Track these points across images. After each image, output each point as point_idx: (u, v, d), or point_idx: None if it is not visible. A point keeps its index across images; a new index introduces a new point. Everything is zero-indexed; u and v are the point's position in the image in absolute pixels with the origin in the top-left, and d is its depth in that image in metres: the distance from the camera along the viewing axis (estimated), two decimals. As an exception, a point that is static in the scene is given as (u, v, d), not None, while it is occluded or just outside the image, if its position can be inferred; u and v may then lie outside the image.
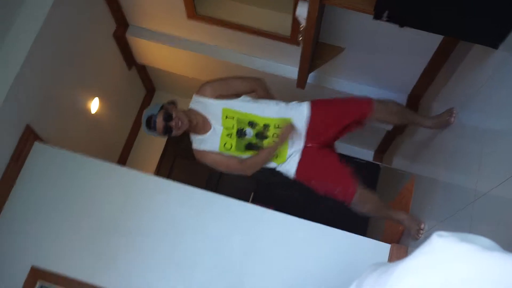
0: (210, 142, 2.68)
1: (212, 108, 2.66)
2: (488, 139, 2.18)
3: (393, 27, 2.46)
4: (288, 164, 2.72)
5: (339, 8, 2.85)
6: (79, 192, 2.99)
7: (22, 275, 2.82)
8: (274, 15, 3.48)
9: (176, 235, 2.90)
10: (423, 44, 3.08)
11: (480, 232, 1.10)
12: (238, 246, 2.87)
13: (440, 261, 0.93)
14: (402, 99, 3.65)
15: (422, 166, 3.22)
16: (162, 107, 2.58)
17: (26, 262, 2.85)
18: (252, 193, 4.40)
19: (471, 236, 0.99)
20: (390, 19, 2.35)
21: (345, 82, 3.72)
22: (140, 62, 4.36)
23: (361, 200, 2.68)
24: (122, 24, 3.87)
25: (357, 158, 4.63)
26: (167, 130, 2.56)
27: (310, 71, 3.44)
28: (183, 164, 5.09)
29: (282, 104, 2.74)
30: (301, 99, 2.81)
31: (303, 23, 2.83)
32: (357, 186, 2.65)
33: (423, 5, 2.26)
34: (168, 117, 2.54)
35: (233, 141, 2.66)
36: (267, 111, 2.70)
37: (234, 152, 2.69)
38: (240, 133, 2.66)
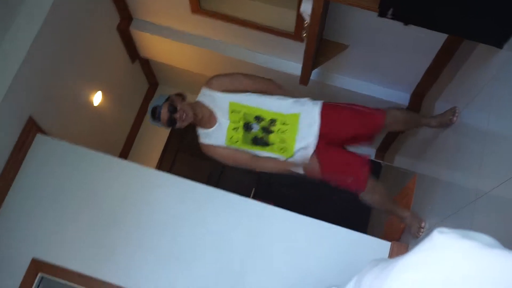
0: (216, 136, 2.68)
1: (219, 102, 2.66)
2: (490, 139, 2.17)
3: (397, 25, 2.45)
4: (297, 159, 2.71)
5: (344, 5, 2.84)
6: (80, 185, 3.00)
7: (23, 267, 2.83)
8: (279, 11, 3.47)
9: (176, 229, 2.90)
10: (427, 42, 3.07)
11: (481, 231, 1.10)
12: (239, 242, 2.87)
13: (441, 257, 0.93)
14: (405, 97, 3.65)
15: (423, 164, 3.22)
16: (168, 99, 2.59)
17: (27, 254, 2.86)
18: (254, 189, 4.40)
19: (472, 233, 0.99)
20: (394, 17, 2.34)
21: (348, 79, 3.72)
22: (144, 56, 4.36)
23: (371, 190, 2.69)
24: (126, 18, 3.87)
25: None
26: (171, 122, 2.58)
27: (313, 67, 3.44)
28: (185, 159, 5.10)
29: (290, 100, 2.73)
30: (306, 96, 2.80)
31: (307, 19, 2.83)
32: (369, 176, 2.68)
33: (428, 3, 2.26)
34: (172, 109, 2.55)
35: (240, 135, 2.66)
36: (275, 105, 2.68)
37: (240, 146, 2.69)
38: (247, 127, 2.66)
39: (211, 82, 2.70)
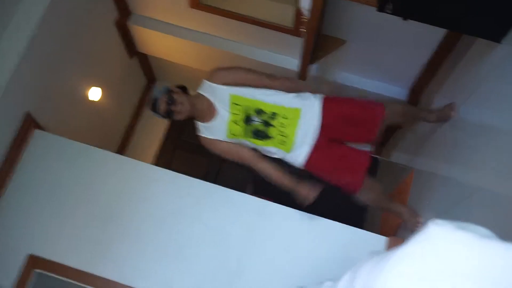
0: (217, 130, 2.68)
1: (220, 94, 2.65)
2: (488, 134, 2.17)
3: (396, 20, 2.44)
4: (296, 153, 2.71)
5: (343, 0, 2.83)
6: (78, 180, 2.99)
7: (18, 263, 2.82)
8: (278, 6, 3.46)
9: (174, 225, 2.90)
10: (426, 38, 3.07)
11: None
12: (236, 237, 2.87)
13: (437, 248, 0.93)
14: (403, 92, 3.64)
15: (421, 160, 3.22)
16: (167, 90, 2.60)
17: (23, 250, 2.85)
18: (251, 185, 4.40)
19: (468, 225, 0.99)
20: (393, 12, 2.33)
21: (347, 74, 3.71)
22: (142, 51, 4.35)
23: (367, 190, 2.71)
24: (124, 13, 3.86)
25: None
26: (168, 114, 2.59)
27: (312, 62, 3.43)
28: (182, 156, 5.10)
29: (292, 94, 2.71)
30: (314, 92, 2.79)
31: (306, 14, 2.82)
32: (364, 178, 2.68)
33: (426, -2, 2.26)
34: (170, 101, 2.56)
35: (240, 127, 2.65)
36: (276, 98, 2.67)
37: (241, 138, 2.68)
38: (247, 120, 2.65)
39: (213, 74, 2.69)
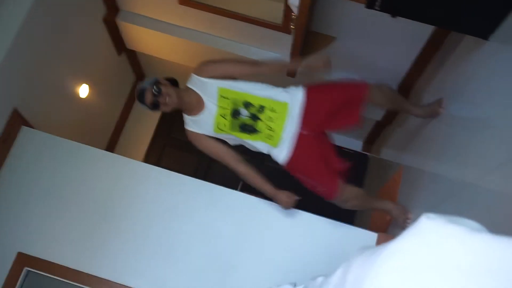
0: (203, 123, 2.67)
1: (208, 87, 2.64)
2: (476, 129, 2.19)
3: (385, 17, 2.46)
4: (280, 149, 2.70)
5: (332, -3, 2.84)
6: (67, 178, 2.97)
7: (8, 261, 2.80)
8: (266, 2, 3.46)
9: (165, 222, 2.89)
10: (414, 34, 3.08)
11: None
12: (228, 234, 2.87)
13: (429, 242, 0.94)
14: (394, 89, 3.66)
15: (410, 156, 3.24)
16: (155, 81, 2.58)
17: (13, 248, 2.83)
18: (241, 182, 4.40)
19: (459, 219, 0.99)
20: (382, 9, 2.35)
21: (336, 71, 3.72)
22: (130, 48, 4.32)
23: (344, 199, 2.67)
24: (112, 9, 3.83)
25: (345, 148, 4.65)
26: (154, 105, 2.57)
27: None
28: (172, 154, 5.08)
29: (280, 88, 2.71)
30: (296, 84, 2.79)
31: (295, 11, 2.82)
32: (339, 189, 2.63)
33: (415, -5, 2.27)
34: (157, 92, 2.54)
35: (227, 121, 2.64)
36: (264, 91, 2.66)
37: (229, 133, 2.68)
38: (235, 113, 2.64)
39: (200, 68, 2.68)
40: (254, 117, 2.63)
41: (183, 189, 2.96)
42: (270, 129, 2.64)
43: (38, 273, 2.83)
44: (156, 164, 3.16)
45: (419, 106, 2.97)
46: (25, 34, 2.87)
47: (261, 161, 3.08)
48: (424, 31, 3.02)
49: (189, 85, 2.69)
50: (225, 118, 2.63)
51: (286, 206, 2.75)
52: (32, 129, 3.08)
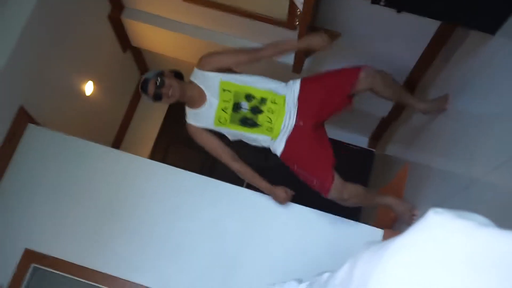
0: (204, 117, 2.67)
1: (210, 81, 2.65)
2: (483, 125, 2.18)
3: (390, 12, 2.44)
4: (278, 141, 2.70)
5: (337, -7, 2.83)
6: (74, 175, 2.98)
7: (15, 257, 2.82)
8: (271, -1, 3.45)
9: (171, 219, 2.89)
10: (420, 30, 3.07)
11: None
12: (233, 231, 2.87)
13: (436, 237, 0.93)
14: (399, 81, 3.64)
15: (416, 152, 3.23)
16: (159, 73, 2.59)
17: (20, 244, 2.84)
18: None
19: (467, 213, 0.99)
20: (387, 4, 2.34)
21: (341, 67, 3.71)
22: (135, 45, 4.33)
23: (339, 197, 2.62)
24: (117, 6, 3.83)
25: (351, 145, 4.64)
26: (156, 96, 2.58)
27: (306, 56, 3.43)
28: (177, 150, 5.08)
29: (280, 82, 2.72)
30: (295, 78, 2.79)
31: (300, 7, 2.81)
32: (333, 183, 2.58)
33: (421, -10, 2.26)
34: (160, 84, 2.55)
35: (228, 115, 2.65)
36: (265, 84, 2.68)
37: (229, 127, 2.68)
38: (236, 107, 2.64)
39: (202, 61, 2.69)
40: (255, 111, 2.64)
41: (189, 186, 2.96)
42: (270, 121, 2.65)
43: (44, 269, 2.85)
44: (162, 161, 3.16)
45: (425, 101, 2.95)
46: (29, 32, 2.88)
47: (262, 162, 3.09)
48: (429, 26, 3.00)
49: (192, 79, 2.70)
50: (225, 112, 2.64)
51: (283, 201, 2.80)
52: (38, 127, 3.09)
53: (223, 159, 2.76)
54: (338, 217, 2.89)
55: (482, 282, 0.85)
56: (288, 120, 2.66)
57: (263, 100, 2.64)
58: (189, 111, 2.71)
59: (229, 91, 2.63)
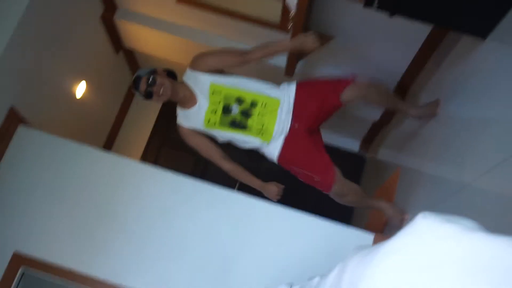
0: (194, 118, 2.67)
1: (201, 82, 2.65)
2: (473, 130, 2.19)
3: (383, 16, 2.45)
4: (272, 145, 2.70)
5: (330, -4, 2.83)
6: (64, 177, 2.95)
7: (4, 261, 2.79)
8: (264, 1, 3.44)
9: (164, 223, 2.87)
10: (412, 34, 3.08)
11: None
12: (225, 234, 2.86)
13: (425, 241, 0.94)
14: (390, 88, 3.65)
15: (407, 157, 3.23)
16: (152, 71, 2.58)
17: (9, 247, 2.81)
18: (238, 182, 4.39)
19: (456, 218, 0.99)
20: (380, 8, 2.34)
21: (334, 70, 3.72)
22: (128, 46, 4.31)
23: (340, 191, 2.67)
24: (110, 7, 3.82)
25: (342, 148, 4.64)
26: (147, 94, 2.58)
27: (299, 59, 3.43)
28: (169, 152, 5.06)
29: (272, 85, 2.73)
30: (289, 81, 2.80)
31: (293, 10, 2.82)
32: (336, 177, 2.63)
33: (413, -6, 2.26)
34: (152, 82, 2.55)
35: (217, 117, 2.65)
36: (257, 87, 2.67)
37: (218, 128, 2.68)
38: (226, 110, 2.64)
39: (194, 61, 2.70)
40: (245, 114, 2.64)
41: (182, 189, 2.95)
42: (262, 125, 2.65)
43: (34, 273, 2.82)
44: (154, 163, 3.16)
45: (416, 106, 2.97)
46: (22, 32, 2.86)
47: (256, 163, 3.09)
48: (422, 30, 3.01)
49: (184, 80, 2.70)
50: (215, 114, 2.64)
51: (274, 196, 2.80)
52: (29, 128, 3.06)
53: (214, 159, 2.77)
54: (329, 220, 2.89)
55: (470, 286, 0.85)
56: (281, 123, 2.66)
57: (253, 104, 2.64)
58: (180, 112, 2.72)
59: (219, 93, 2.63)
